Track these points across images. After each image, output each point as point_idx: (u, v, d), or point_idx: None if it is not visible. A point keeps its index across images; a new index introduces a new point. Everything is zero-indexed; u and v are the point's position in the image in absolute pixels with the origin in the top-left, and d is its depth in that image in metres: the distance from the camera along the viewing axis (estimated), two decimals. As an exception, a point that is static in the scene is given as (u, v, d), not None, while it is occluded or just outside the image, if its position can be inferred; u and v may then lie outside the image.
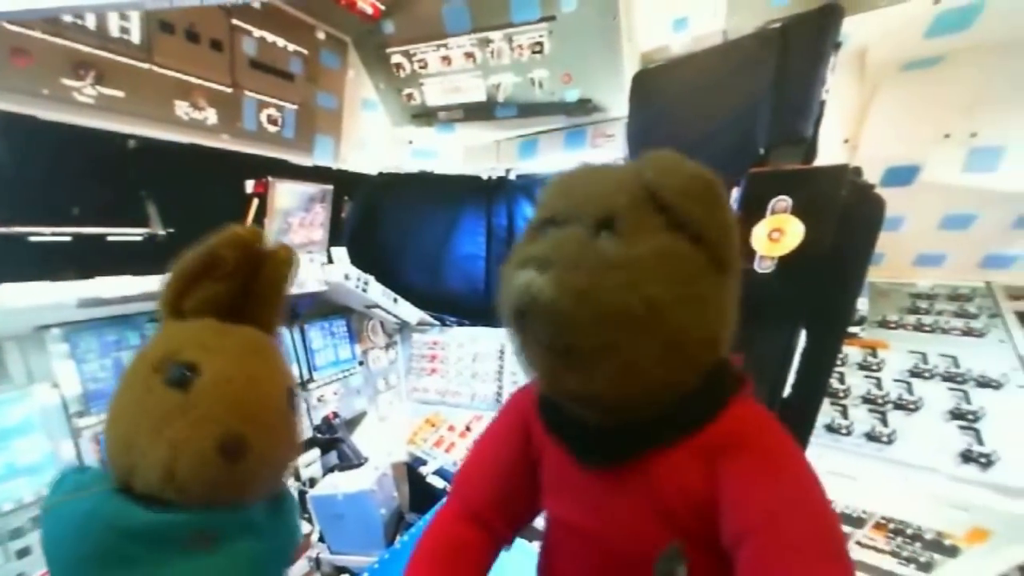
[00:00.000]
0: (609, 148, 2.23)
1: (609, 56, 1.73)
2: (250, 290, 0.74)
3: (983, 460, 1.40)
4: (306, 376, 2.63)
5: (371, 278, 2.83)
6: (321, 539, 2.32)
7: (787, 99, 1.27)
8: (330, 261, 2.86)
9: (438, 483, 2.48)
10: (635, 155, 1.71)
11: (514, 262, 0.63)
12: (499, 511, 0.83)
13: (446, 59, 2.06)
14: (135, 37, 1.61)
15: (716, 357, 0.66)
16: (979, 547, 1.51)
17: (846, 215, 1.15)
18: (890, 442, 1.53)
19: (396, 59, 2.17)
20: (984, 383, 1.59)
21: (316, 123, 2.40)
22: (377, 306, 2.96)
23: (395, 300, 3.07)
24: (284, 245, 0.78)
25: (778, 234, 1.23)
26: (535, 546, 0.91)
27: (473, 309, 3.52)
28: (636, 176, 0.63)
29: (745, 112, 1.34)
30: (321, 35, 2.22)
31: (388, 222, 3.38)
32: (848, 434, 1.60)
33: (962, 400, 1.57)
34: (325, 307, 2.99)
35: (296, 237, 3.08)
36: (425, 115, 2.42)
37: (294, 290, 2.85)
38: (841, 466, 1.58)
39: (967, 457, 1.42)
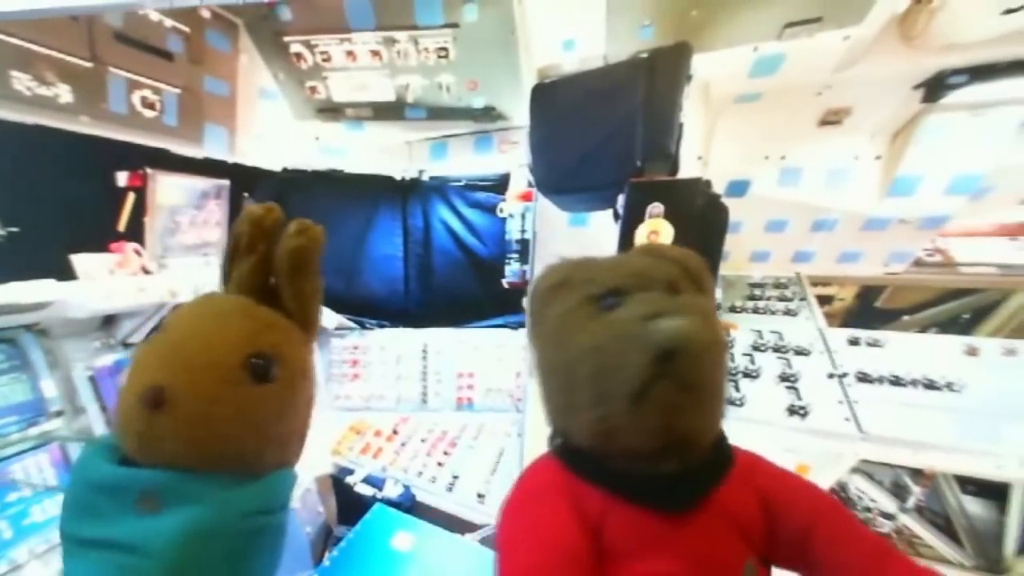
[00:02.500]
0: (514, 154, 2.24)
1: (510, 68, 1.73)
2: (261, 264, 0.71)
3: (802, 412, 1.65)
4: (205, 396, 2.28)
5: (279, 281, 2.54)
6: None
7: (655, 119, 1.37)
8: (230, 264, 2.49)
9: (366, 491, 2.28)
10: (537, 163, 1.74)
11: (629, 319, 0.65)
12: None
13: (351, 54, 1.89)
14: (-57, -13, 1.21)
15: None
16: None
17: (702, 219, 1.28)
18: (742, 405, 1.73)
19: (296, 48, 1.93)
20: (799, 351, 1.86)
21: (205, 110, 2.06)
22: (289, 311, 2.66)
23: (309, 304, 2.79)
24: (300, 220, 0.71)
25: (655, 235, 1.31)
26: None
27: (393, 310, 3.33)
28: (671, 256, 0.78)
29: (624, 128, 1.42)
30: (206, 13, 1.89)
31: (296, 221, 3.06)
32: (714, 402, 1.79)
33: (786, 366, 1.82)
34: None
35: (187, 238, 2.62)
36: (331, 110, 2.21)
37: (184, 299, 2.44)
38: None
39: (791, 411, 1.66)
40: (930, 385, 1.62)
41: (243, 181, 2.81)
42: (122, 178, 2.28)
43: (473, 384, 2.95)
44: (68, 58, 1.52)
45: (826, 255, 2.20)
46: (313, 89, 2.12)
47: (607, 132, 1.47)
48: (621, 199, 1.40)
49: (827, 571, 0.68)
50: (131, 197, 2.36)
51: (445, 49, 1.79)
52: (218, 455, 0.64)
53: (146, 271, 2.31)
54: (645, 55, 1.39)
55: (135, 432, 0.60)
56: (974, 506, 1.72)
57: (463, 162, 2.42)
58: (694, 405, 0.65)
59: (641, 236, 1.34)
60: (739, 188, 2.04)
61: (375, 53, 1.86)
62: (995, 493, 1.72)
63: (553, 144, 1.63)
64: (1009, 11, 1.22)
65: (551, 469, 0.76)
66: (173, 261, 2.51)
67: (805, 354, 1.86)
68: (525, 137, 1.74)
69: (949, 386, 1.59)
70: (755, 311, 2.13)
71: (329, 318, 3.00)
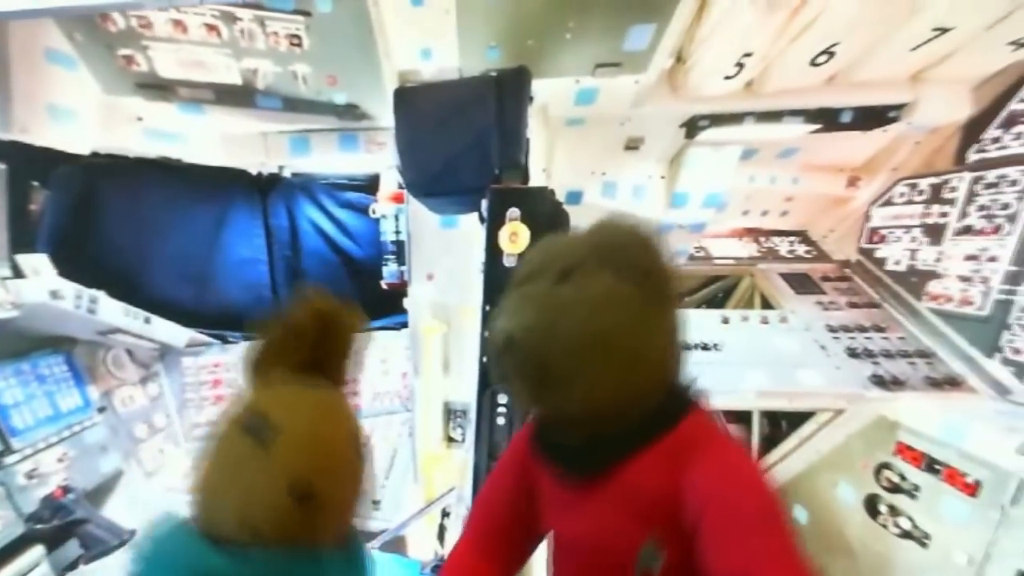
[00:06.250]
0: (381, 155, 2.05)
1: (370, 68, 1.57)
2: (321, 350, 0.69)
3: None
4: (-4, 448, 1.56)
5: (101, 294, 1.87)
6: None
7: (508, 133, 1.42)
8: (18, 275, 1.71)
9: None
10: (405, 166, 1.62)
11: (498, 313, 0.68)
12: (505, 538, 0.82)
13: (179, 24, 1.47)
14: None
15: (667, 376, 0.69)
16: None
17: (550, 223, 1.36)
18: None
19: (98, 6, 1.42)
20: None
21: (-51, 67, 1.38)
22: (118, 330, 1.98)
23: (147, 320, 2.12)
24: (351, 306, 0.72)
25: (515, 236, 1.35)
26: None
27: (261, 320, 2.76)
28: (587, 238, 0.68)
29: (482, 138, 1.44)
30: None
31: (116, 219, 2.28)
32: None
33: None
34: (19, 342, 1.82)
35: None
36: (158, 88, 1.70)
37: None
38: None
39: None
40: (704, 347, 2.02)
41: (28, 166, 1.98)
42: None
43: (358, 390, 2.66)
44: None
45: (637, 254, 2.58)
46: (129, 59, 1.60)
47: (467, 141, 1.46)
48: (485, 204, 1.40)
49: (708, 567, 0.56)
50: None
51: (298, 37, 1.54)
52: (341, 534, 0.66)
53: None
54: (494, 73, 1.41)
55: (278, 521, 0.58)
56: (734, 431, 2.22)
57: (328, 160, 2.13)
58: (541, 388, 0.64)
59: (503, 238, 1.36)
60: (575, 197, 2.25)
61: (211, 28, 1.49)
62: (744, 419, 2.20)
63: (418, 149, 1.55)
64: (727, 78, 1.60)
65: (525, 428, 0.85)
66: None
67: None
68: (392, 139, 1.60)
69: (715, 347, 2.01)
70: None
71: (176, 334, 2.34)
